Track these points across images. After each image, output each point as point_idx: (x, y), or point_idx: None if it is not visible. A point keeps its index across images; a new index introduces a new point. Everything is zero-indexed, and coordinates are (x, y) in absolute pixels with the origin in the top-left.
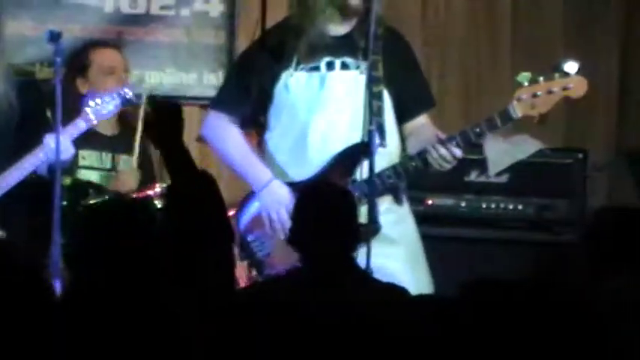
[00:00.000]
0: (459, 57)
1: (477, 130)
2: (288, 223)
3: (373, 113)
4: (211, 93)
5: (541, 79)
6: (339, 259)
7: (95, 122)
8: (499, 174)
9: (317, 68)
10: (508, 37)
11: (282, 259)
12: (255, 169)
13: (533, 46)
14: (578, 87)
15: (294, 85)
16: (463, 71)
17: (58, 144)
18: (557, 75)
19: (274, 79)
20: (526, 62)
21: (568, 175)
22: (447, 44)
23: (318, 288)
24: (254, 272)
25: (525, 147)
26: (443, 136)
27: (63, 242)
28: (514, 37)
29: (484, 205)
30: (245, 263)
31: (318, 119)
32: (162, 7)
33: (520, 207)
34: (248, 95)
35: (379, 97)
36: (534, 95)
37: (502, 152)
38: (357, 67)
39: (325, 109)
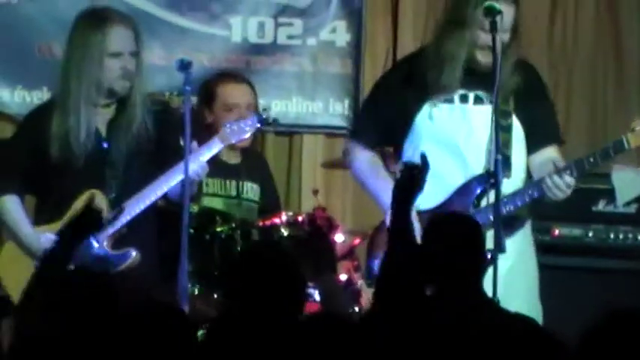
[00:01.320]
0: (586, 79)
1: (591, 159)
2: None
3: (500, 145)
4: (337, 122)
5: None
6: (467, 286)
7: (233, 141)
8: (627, 204)
9: (451, 100)
10: (636, 61)
11: None
12: (386, 194)
13: None
14: None
15: (438, 115)
16: (590, 94)
17: (186, 172)
18: None
19: (416, 109)
20: None
21: None
22: (574, 67)
23: (447, 314)
24: None
25: None
26: (560, 164)
27: (190, 269)
28: None
29: (612, 236)
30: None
31: (459, 150)
32: (290, 37)
33: None
34: (384, 125)
35: (508, 129)
36: None
37: (630, 182)
38: (491, 102)
39: (466, 140)
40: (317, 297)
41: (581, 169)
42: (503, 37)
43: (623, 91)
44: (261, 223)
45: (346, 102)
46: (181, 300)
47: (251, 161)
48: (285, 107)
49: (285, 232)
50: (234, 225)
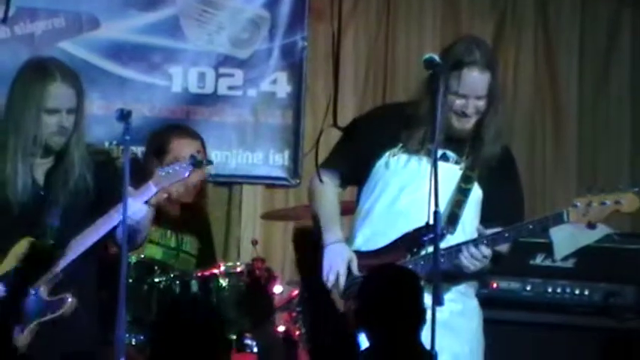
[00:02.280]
0: (525, 137)
1: (530, 227)
2: (342, 277)
3: (453, 204)
4: (277, 173)
5: (602, 194)
6: (404, 339)
7: (166, 185)
8: (565, 258)
9: (417, 151)
10: (574, 118)
11: None
12: (331, 228)
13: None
14: (629, 203)
15: (394, 164)
16: (528, 150)
17: (124, 222)
18: (613, 189)
19: (378, 156)
20: (592, 154)
21: (636, 262)
22: (513, 124)
23: None
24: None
25: (592, 232)
26: (484, 231)
27: (128, 319)
28: (580, 128)
29: (550, 290)
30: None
31: (408, 200)
32: (230, 88)
33: (586, 292)
34: (351, 161)
35: (465, 193)
36: (588, 204)
37: (568, 237)
38: (457, 163)
39: (416, 191)
40: (255, 349)
41: (518, 234)
42: (478, 103)
43: (561, 147)
44: (199, 274)
45: (286, 153)
46: (118, 350)
47: (190, 214)
48: (225, 158)
49: (223, 283)
50: (172, 275)
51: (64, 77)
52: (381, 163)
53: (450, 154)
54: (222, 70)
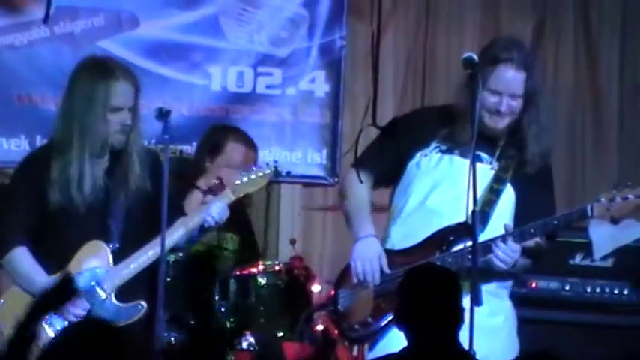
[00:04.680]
0: (564, 133)
1: (555, 222)
2: (371, 275)
3: (484, 203)
4: (315, 171)
5: (626, 189)
6: (443, 338)
7: (243, 194)
8: (604, 258)
9: (450, 151)
10: (614, 114)
11: (358, 313)
12: (360, 224)
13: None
14: None
15: (425, 165)
16: (568, 147)
17: (163, 224)
18: (638, 184)
19: (410, 156)
20: (634, 155)
21: None
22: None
23: None
24: (355, 352)
25: (631, 231)
26: (510, 227)
27: (166, 318)
28: (621, 129)
29: (588, 289)
30: (346, 343)
31: (439, 199)
32: (269, 86)
33: (625, 292)
34: (385, 161)
35: (497, 193)
36: (611, 199)
37: (607, 236)
38: (490, 164)
39: (448, 190)
40: (252, 347)
41: (543, 230)
42: (512, 102)
43: (602, 147)
44: (238, 272)
45: (324, 152)
46: (157, 348)
47: (231, 211)
48: (263, 157)
49: (262, 281)
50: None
51: (125, 75)
52: (412, 163)
53: (483, 155)
54: (260, 69)
